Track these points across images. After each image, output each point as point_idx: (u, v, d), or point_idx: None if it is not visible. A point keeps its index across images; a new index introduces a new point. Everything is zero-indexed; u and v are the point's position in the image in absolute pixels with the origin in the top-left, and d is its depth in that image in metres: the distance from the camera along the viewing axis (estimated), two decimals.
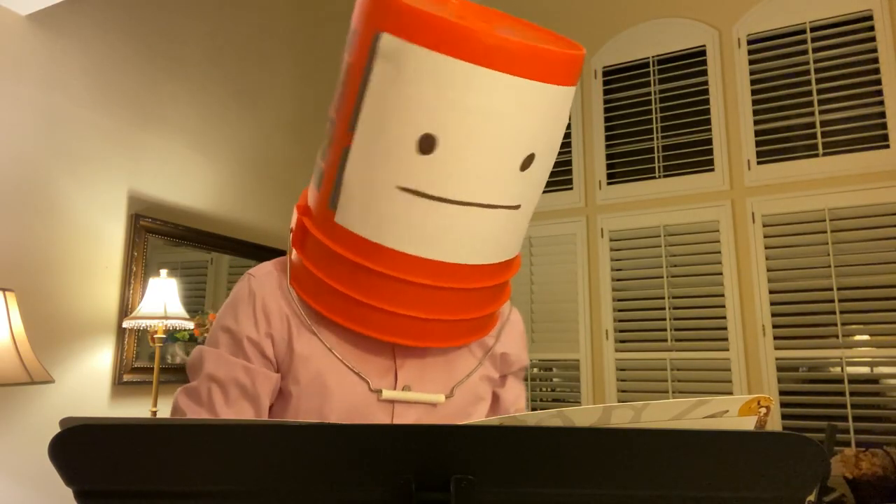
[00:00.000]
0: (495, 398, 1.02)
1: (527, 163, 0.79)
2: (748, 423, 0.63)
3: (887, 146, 3.08)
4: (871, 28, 3.18)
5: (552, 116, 0.79)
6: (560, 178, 3.81)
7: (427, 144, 0.75)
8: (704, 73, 3.54)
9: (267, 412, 0.88)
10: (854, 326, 3.05)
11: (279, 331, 0.88)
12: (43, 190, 2.14)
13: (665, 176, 3.56)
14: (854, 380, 3.00)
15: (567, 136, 3.84)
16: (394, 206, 0.78)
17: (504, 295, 0.94)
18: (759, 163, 3.34)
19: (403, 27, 0.73)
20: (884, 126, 3.11)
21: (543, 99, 0.76)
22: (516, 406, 1.03)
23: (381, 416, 0.88)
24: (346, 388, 0.86)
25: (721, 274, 3.33)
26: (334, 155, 0.82)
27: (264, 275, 0.92)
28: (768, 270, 3.24)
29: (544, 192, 3.44)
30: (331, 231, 0.83)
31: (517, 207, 0.82)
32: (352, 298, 0.83)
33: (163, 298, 2.24)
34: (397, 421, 0.88)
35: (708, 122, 3.49)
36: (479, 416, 0.96)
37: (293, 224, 0.90)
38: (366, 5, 0.77)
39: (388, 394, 0.87)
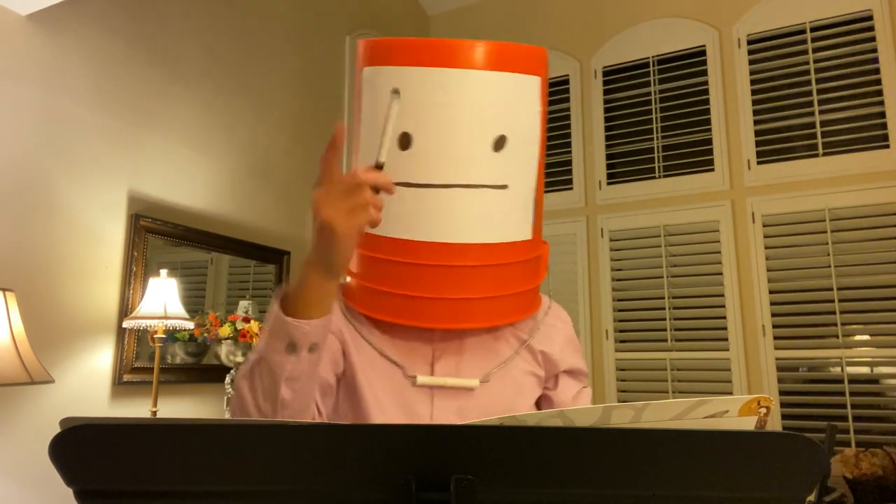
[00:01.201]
0: (546, 399, 1.03)
1: (499, 144, 0.90)
2: (748, 423, 0.63)
3: (887, 146, 3.08)
4: (871, 28, 3.18)
5: (515, 101, 0.91)
6: (560, 178, 3.81)
7: (405, 141, 0.88)
8: (704, 73, 3.54)
9: (330, 374, 0.94)
10: (854, 326, 3.05)
11: (335, 339, 0.96)
12: (43, 190, 2.14)
13: (665, 176, 3.56)
14: (854, 380, 3.00)
15: (567, 136, 3.84)
16: (392, 200, 0.88)
17: (536, 275, 1.00)
18: (759, 163, 3.34)
19: (374, 57, 0.92)
20: (884, 126, 3.10)
21: (502, 86, 0.89)
22: (577, 404, 1.03)
23: (421, 404, 0.93)
24: (386, 380, 0.94)
25: (721, 274, 3.33)
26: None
27: None
28: (768, 270, 3.24)
29: (544, 192, 3.44)
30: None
31: (504, 187, 0.91)
32: (381, 291, 0.93)
33: (163, 298, 2.24)
34: (437, 408, 0.93)
35: (708, 122, 3.49)
36: (523, 411, 0.98)
37: None
38: (356, 58, 0.97)
39: (422, 379, 0.94)
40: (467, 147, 0.88)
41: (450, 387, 0.94)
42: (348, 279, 1.00)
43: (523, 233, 0.95)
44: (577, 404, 1.04)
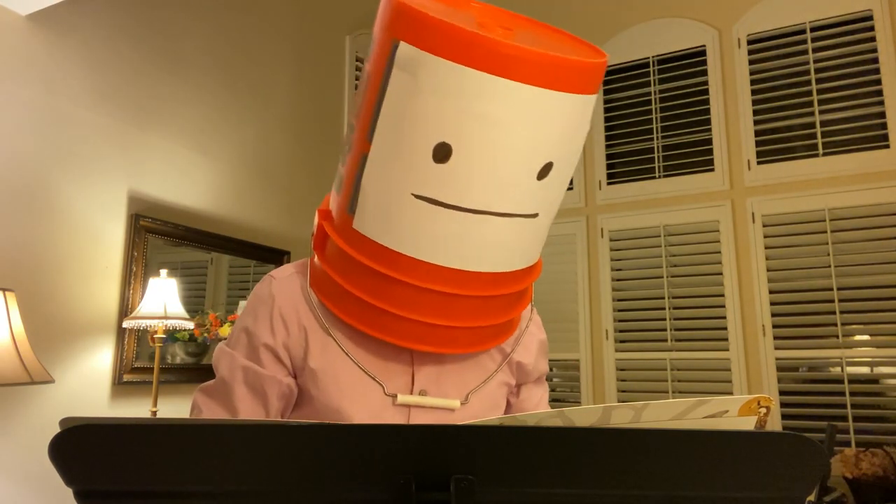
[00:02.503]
0: (510, 407, 1.01)
1: (544, 172, 0.79)
2: (748, 423, 0.63)
3: (887, 146, 3.08)
4: (871, 28, 3.18)
5: (571, 125, 0.78)
6: None
7: (442, 153, 0.75)
8: (704, 73, 3.54)
9: (277, 413, 0.90)
10: (854, 326, 3.05)
11: (296, 337, 0.89)
12: (43, 190, 2.14)
13: (665, 176, 3.56)
14: (854, 380, 3.00)
15: None
16: (409, 213, 0.78)
17: (524, 301, 0.94)
18: (759, 163, 3.34)
19: (420, 36, 0.74)
20: (884, 126, 3.10)
21: (561, 108, 0.76)
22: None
23: (396, 422, 0.88)
24: (361, 393, 0.87)
25: (721, 274, 3.33)
26: (353, 161, 0.83)
27: (285, 278, 0.93)
28: (768, 270, 3.24)
29: None
30: (349, 236, 0.84)
31: (535, 216, 0.82)
32: (369, 304, 0.84)
33: (163, 298, 2.24)
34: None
35: (708, 122, 3.49)
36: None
37: (315, 227, 0.91)
38: (385, 14, 0.78)
39: (403, 398, 0.88)
40: (513, 174, 0.77)
41: (429, 406, 0.90)
42: (315, 260, 0.91)
43: (534, 258, 0.89)
44: (541, 408, 1.03)
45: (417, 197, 0.77)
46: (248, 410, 0.87)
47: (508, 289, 0.86)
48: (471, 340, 0.87)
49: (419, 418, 0.89)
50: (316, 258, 0.90)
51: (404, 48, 0.75)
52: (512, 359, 0.98)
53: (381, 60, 0.77)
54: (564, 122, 0.77)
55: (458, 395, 0.92)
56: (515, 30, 0.82)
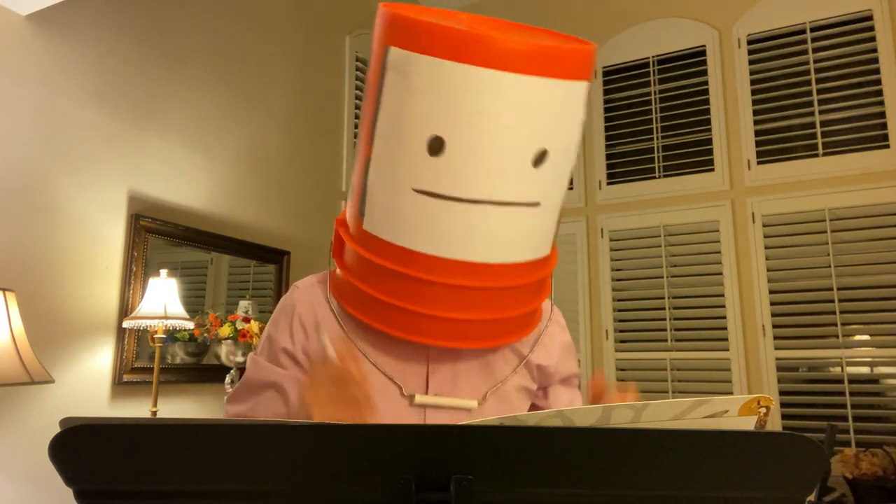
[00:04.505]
0: (536, 410, 1.00)
1: (539, 159, 0.80)
2: (748, 423, 0.63)
3: (887, 146, 3.08)
4: (871, 28, 3.18)
5: (562, 111, 0.80)
6: None
7: (436, 146, 0.78)
8: (704, 73, 3.53)
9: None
10: (854, 326, 3.05)
11: (315, 343, 0.92)
12: (43, 190, 2.14)
13: (665, 176, 3.56)
14: (854, 380, 3.00)
15: None
16: (411, 208, 0.81)
17: (541, 294, 0.94)
18: (759, 163, 3.34)
19: (408, 39, 0.78)
20: (884, 126, 3.10)
21: (549, 94, 0.78)
22: None
23: (412, 422, 0.89)
24: (379, 395, 0.88)
25: (721, 274, 3.33)
26: (360, 165, 0.87)
27: (307, 287, 0.98)
28: (768, 270, 3.24)
29: None
30: (362, 238, 0.87)
31: (536, 205, 0.83)
32: (383, 302, 0.86)
33: (163, 298, 2.24)
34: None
35: (708, 122, 3.49)
36: None
37: (333, 237, 0.95)
38: (379, 26, 0.83)
39: (420, 398, 0.89)
40: (506, 162, 0.79)
41: (445, 407, 0.91)
42: (334, 267, 0.95)
43: (545, 250, 0.89)
44: None
45: (417, 191, 0.80)
46: (268, 405, 0.91)
47: (520, 280, 0.86)
48: (485, 335, 0.88)
49: (435, 419, 0.90)
50: (335, 265, 0.94)
51: (395, 52, 0.79)
52: (530, 361, 0.97)
53: (377, 67, 0.83)
54: (553, 108, 0.79)
55: (474, 397, 0.92)
56: (505, 31, 0.84)
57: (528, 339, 0.97)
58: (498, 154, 0.78)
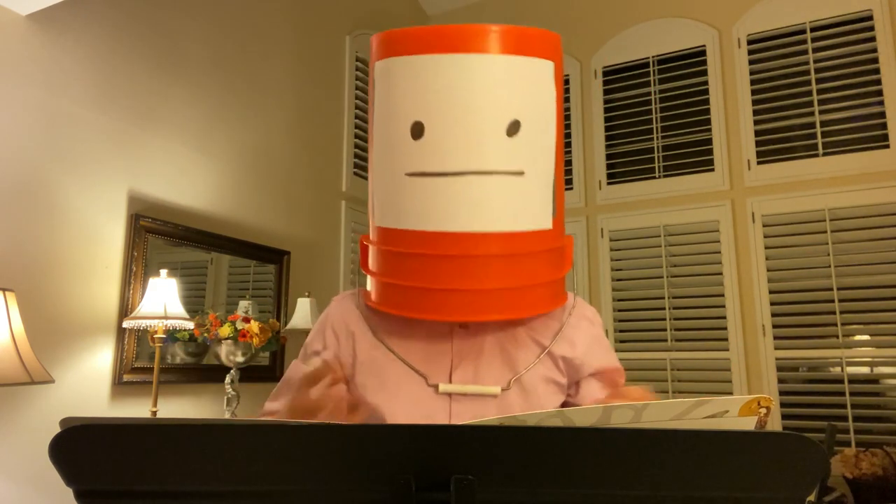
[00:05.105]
0: (567, 406, 0.99)
1: (513, 129, 0.88)
2: (748, 424, 0.63)
3: (887, 146, 3.08)
4: (871, 28, 3.18)
5: (529, 85, 0.89)
6: None
7: (417, 130, 0.88)
8: (704, 73, 3.53)
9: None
10: (854, 326, 3.05)
11: (345, 346, 1.00)
12: (43, 190, 2.14)
13: (665, 176, 3.56)
14: (854, 380, 3.00)
15: (567, 136, 3.84)
16: (407, 191, 0.89)
17: (558, 267, 0.96)
18: (759, 163, 3.34)
19: (386, 50, 0.92)
20: (884, 126, 3.10)
21: (515, 69, 0.88)
22: None
23: (439, 411, 0.93)
24: (405, 385, 0.95)
25: (721, 274, 3.33)
26: (370, 173, 0.98)
27: (342, 297, 1.08)
28: (768, 270, 3.24)
29: None
30: (376, 235, 0.96)
31: (520, 174, 0.89)
32: (400, 286, 0.92)
33: (163, 298, 2.24)
34: (455, 415, 0.93)
35: (708, 122, 3.49)
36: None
37: (360, 251, 1.04)
38: (370, 53, 0.97)
39: (444, 387, 0.93)
40: (480, 132, 0.87)
41: (470, 394, 0.93)
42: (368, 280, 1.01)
43: (544, 222, 0.92)
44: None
45: (409, 175, 0.88)
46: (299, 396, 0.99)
47: (523, 249, 0.91)
48: (504, 306, 0.91)
49: (460, 407, 0.93)
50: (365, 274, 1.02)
51: (379, 65, 0.93)
52: (553, 352, 0.98)
53: (371, 84, 0.96)
54: (519, 82, 0.89)
55: (499, 384, 0.95)
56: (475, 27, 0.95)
57: (549, 331, 0.99)
58: (471, 126, 0.86)
